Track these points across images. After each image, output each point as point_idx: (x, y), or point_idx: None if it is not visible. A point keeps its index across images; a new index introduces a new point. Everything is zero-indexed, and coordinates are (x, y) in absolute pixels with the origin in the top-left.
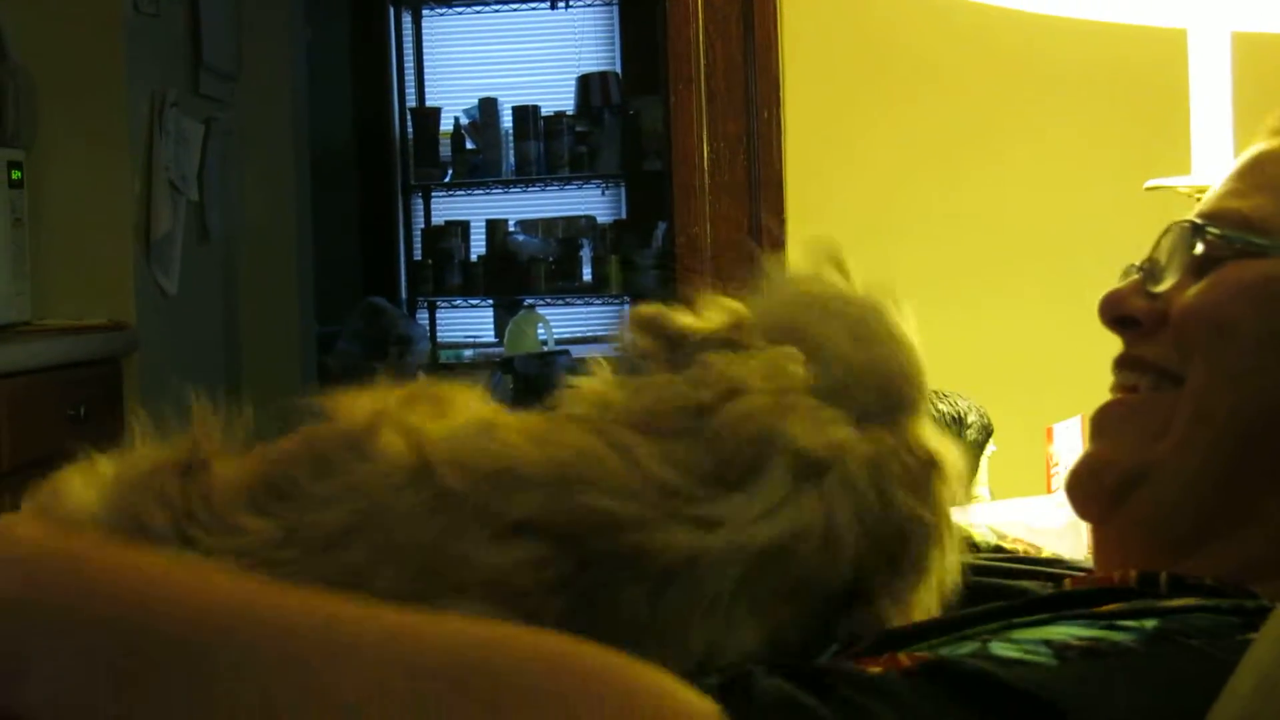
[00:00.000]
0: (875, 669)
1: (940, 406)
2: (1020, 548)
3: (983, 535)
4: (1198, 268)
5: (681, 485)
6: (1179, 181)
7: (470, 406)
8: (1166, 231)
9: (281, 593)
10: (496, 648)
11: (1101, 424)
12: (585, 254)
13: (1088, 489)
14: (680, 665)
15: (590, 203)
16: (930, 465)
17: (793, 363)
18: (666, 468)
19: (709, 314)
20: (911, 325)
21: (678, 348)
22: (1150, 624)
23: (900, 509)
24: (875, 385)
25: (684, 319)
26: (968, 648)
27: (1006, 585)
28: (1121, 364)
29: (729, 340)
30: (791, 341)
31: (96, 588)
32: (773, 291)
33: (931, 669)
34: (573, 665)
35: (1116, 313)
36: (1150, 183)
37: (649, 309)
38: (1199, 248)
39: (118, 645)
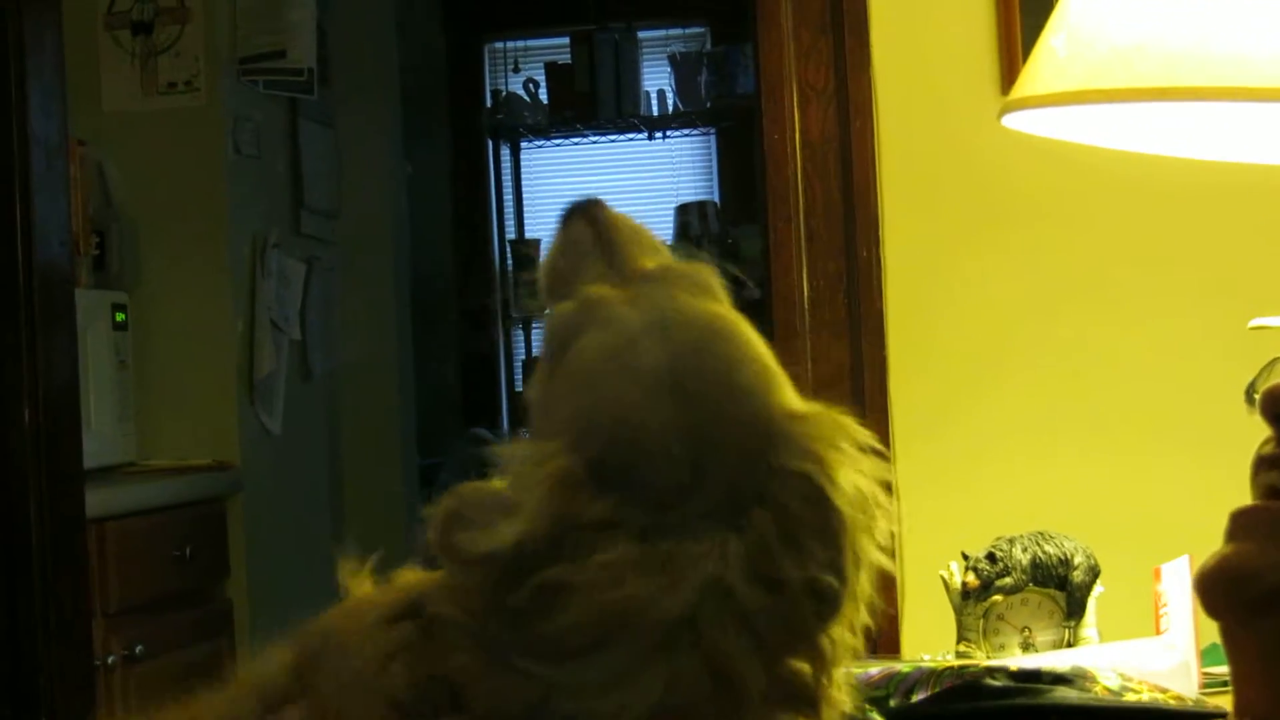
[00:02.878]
0: None
1: (1046, 548)
2: (1145, 691)
3: (1108, 682)
4: None
5: (514, 641)
6: None
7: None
8: None
9: None
10: None
11: (1246, 527)
12: None
13: (1225, 594)
14: None
15: None
16: (828, 494)
17: (606, 513)
18: (506, 629)
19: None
20: (749, 339)
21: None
22: None
23: (798, 583)
24: (725, 444)
25: (487, 539)
26: None
27: None
28: (1269, 464)
29: (543, 539)
30: (615, 446)
31: None
32: (576, 373)
33: None
34: None
35: None
36: (1254, 322)
37: (445, 526)
38: None
39: None
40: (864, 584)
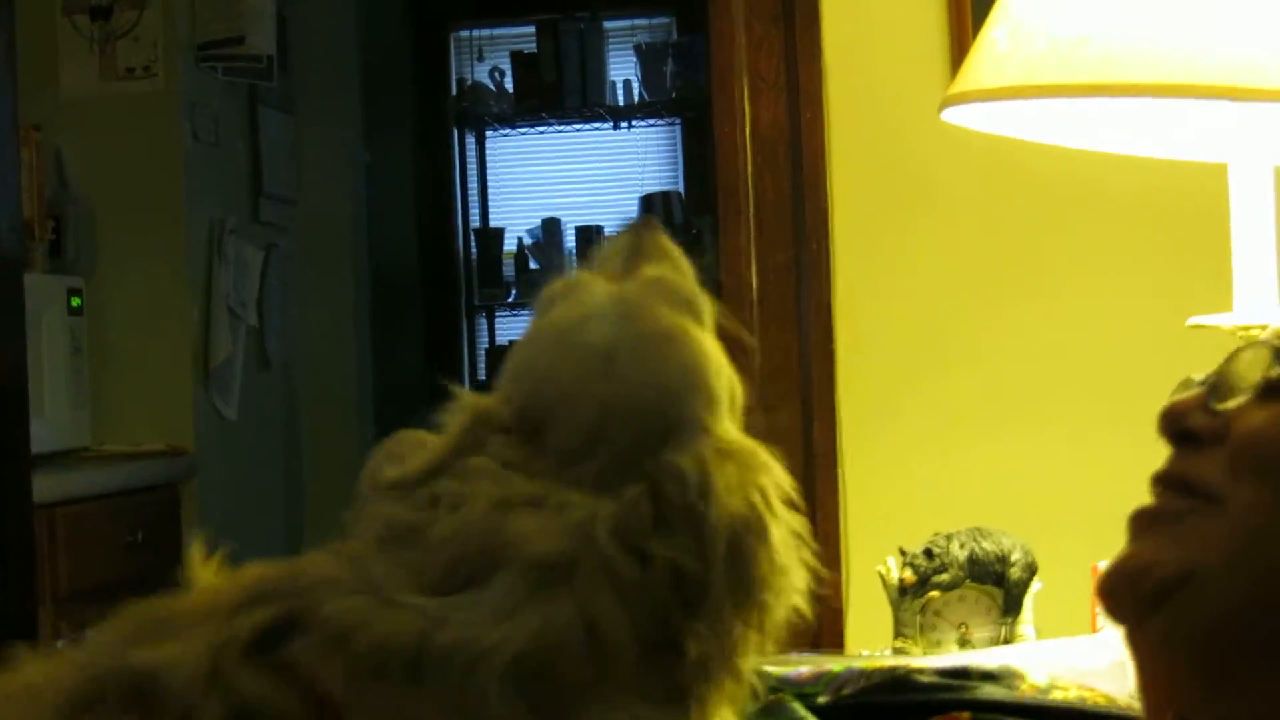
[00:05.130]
0: None
1: (984, 545)
2: (1073, 693)
3: (1036, 679)
4: (1268, 391)
5: (404, 581)
6: (1221, 320)
7: None
8: (1241, 349)
9: None
10: None
11: (1141, 526)
12: None
13: (1122, 592)
14: None
15: None
16: (700, 490)
17: (513, 454)
18: (392, 568)
19: (435, 439)
20: (704, 316)
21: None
22: None
23: (663, 562)
24: (628, 422)
25: (397, 469)
26: None
27: None
28: (1163, 482)
29: (449, 462)
30: (536, 401)
31: None
32: (533, 335)
33: None
34: None
35: (1179, 426)
36: (1193, 320)
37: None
38: (1277, 372)
39: None
40: (764, 620)
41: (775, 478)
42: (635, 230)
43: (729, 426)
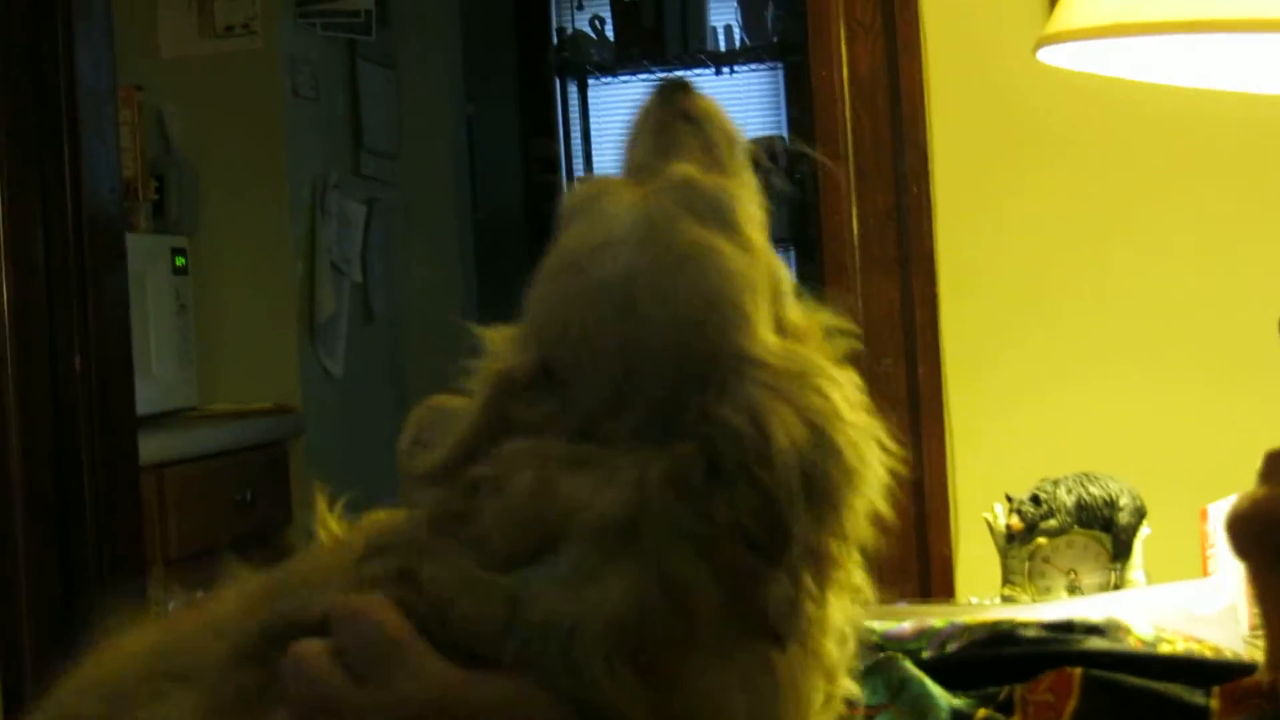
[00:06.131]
0: None
1: (1091, 489)
2: (1180, 645)
3: (1142, 632)
4: None
5: (471, 553)
6: None
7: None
8: None
9: None
10: None
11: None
12: None
13: (1256, 536)
14: None
15: None
16: (756, 445)
17: (540, 416)
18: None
19: (463, 413)
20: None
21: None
22: None
23: (728, 524)
24: (658, 367)
25: (427, 456)
26: None
27: (1159, 691)
28: None
29: (478, 443)
30: (559, 349)
31: None
32: (551, 263)
33: None
34: None
35: None
36: None
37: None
38: None
39: None
40: (849, 526)
41: (835, 379)
42: (663, 96)
43: (771, 338)
